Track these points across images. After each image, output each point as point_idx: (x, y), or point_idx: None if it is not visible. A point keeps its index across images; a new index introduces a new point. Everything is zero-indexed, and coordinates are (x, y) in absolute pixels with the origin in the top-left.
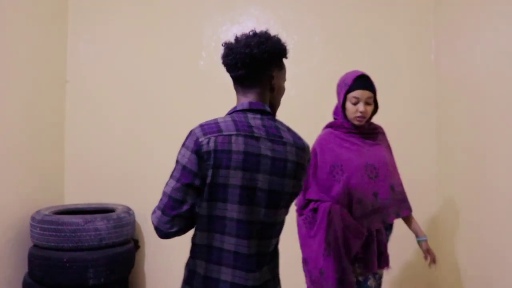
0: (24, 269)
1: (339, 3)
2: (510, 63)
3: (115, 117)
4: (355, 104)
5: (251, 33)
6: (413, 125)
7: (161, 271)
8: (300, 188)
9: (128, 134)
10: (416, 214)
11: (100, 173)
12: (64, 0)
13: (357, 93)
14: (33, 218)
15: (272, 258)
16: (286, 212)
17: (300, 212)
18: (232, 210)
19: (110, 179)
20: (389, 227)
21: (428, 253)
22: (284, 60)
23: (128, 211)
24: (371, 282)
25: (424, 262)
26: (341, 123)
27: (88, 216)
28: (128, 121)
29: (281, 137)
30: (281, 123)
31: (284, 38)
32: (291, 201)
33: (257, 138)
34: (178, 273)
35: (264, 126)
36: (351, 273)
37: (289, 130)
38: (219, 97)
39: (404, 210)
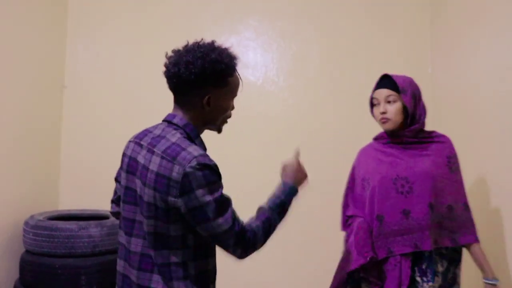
0: (15, 275)
1: (337, 14)
2: (506, 77)
3: (112, 123)
4: (376, 106)
5: (193, 45)
6: None
7: None
8: (163, 202)
9: (124, 141)
10: None
11: (95, 179)
12: (63, 6)
13: (375, 93)
14: (26, 223)
15: (169, 272)
16: (159, 225)
17: (342, 229)
18: (123, 209)
19: (105, 186)
20: (442, 256)
21: None
22: (283, 70)
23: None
24: None
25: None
26: (381, 134)
27: (82, 223)
28: (125, 128)
29: (154, 146)
30: (176, 136)
31: (282, 48)
32: (163, 214)
33: (141, 146)
34: None
35: (154, 135)
36: None
37: (174, 142)
38: None
39: (447, 238)
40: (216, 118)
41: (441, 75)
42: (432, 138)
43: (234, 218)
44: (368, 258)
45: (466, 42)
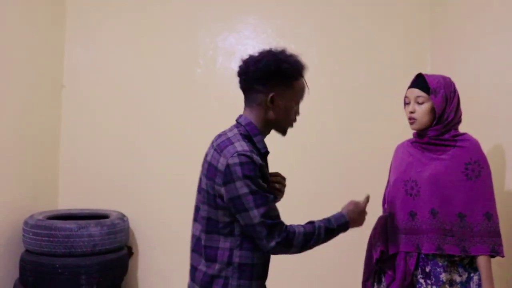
0: (15, 274)
1: (337, 14)
2: (505, 76)
3: (111, 123)
4: (407, 105)
5: (265, 50)
6: (410, 135)
7: (154, 279)
8: (212, 189)
9: (123, 140)
10: None
11: (94, 179)
12: (62, 6)
13: (407, 92)
14: (26, 223)
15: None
16: (211, 210)
17: None
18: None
19: (105, 185)
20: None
21: None
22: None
23: (122, 218)
24: None
25: None
26: (414, 133)
27: (82, 222)
28: (123, 128)
29: (216, 142)
30: (233, 132)
31: (282, 45)
32: (213, 200)
33: (211, 147)
34: (171, 280)
35: (224, 135)
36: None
37: (229, 136)
38: (216, 105)
39: (455, 247)
40: (279, 119)
41: (441, 73)
42: (455, 142)
43: (269, 212)
44: (378, 252)
45: (465, 40)
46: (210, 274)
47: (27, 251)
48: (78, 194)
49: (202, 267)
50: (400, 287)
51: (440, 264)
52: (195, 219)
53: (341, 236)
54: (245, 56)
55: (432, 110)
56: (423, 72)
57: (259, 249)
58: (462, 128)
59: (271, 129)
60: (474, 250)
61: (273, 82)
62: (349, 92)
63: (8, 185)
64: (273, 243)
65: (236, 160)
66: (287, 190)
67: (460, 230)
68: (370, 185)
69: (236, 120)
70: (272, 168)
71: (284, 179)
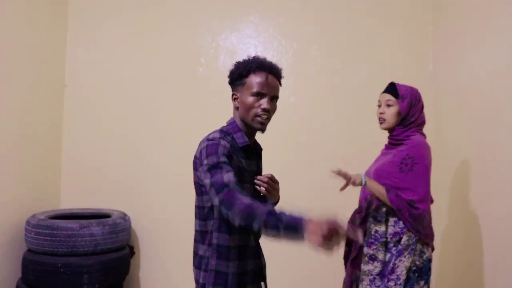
0: (17, 274)
1: (338, 12)
2: (507, 73)
3: (112, 123)
4: (378, 107)
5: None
6: None
7: (156, 278)
8: (197, 177)
9: (125, 140)
10: None
11: (96, 178)
12: (64, 5)
13: (380, 96)
14: (28, 223)
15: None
16: (200, 199)
17: None
18: None
19: (107, 185)
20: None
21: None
22: (284, 68)
23: (124, 217)
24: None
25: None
26: None
27: (84, 221)
28: (125, 127)
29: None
30: (216, 130)
31: (283, 45)
32: (196, 189)
33: None
34: (173, 280)
35: None
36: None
37: (210, 132)
38: (218, 104)
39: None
40: (243, 114)
41: (442, 73)
42: (404, 140)
43: (222, 177)
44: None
45: (468, 39)
46: (200, 255)
47: (29, 250)
48: (80, 194)
49: (198, 251)
50: (354, 258)
51: (369, 240)
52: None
53: None
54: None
55: (399, 113)
56: (423, 72)
57: (235, 232)
58: (463, 126)
59: (248, 127)
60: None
61: (233, 85)
62: (350, 91)
63: (10, 185)
64: (216, 200)
65: (204, 144)
66: (287, 189)
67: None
68: None
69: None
70: (273, 166)
71: (276, 182)
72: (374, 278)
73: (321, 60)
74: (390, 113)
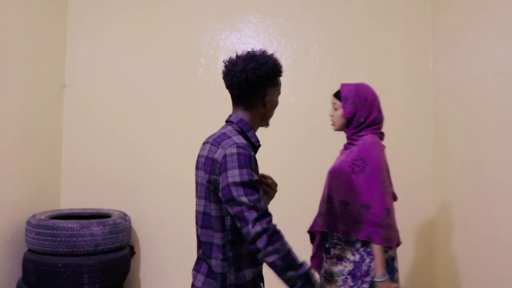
0: (18, 274)
1: (338, 12)
2: (507, 72)
3: (113, 123)
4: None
5: (249, 54)
6: (411, 134)
7: (156, 278)
8: (212, 182)
9: (125, 140)
10: (412, 217)
11: (96, 178)
12: (64, 5)
13: (331, 99)
14: (28, 223)
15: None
16: (207, 204)
17: None
18: (196, 203)
19: (107, 185)
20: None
21: None
22: (284, 68)
23: (124, 217)
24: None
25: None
26: None
27: (84, 221)
28: (125, 127)
29: (212, 138)
30: (227, 129)
31: (282, 45)
32: (208, 194)
33: (207, 143)
34: (173, 280)
35: (218, 132)
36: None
37: (224, 132)
38: (217, 104)
39: (340, 228)
40: (271, 114)
41: (442, 72)
42: (355, 141)
43: (260, 200)
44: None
45: (468, 38)
46: (213, 270)
47: (29, 250)
48: (80, 194)
49: (211, 264)
50: (318, 260)
51: (333, 241)
52: (197, 223)
53: None
54: (232, 62)
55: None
56: (423, 72)
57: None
58: (463, 125)
59: (259, 125)
60: (354, 235)
61: (268, 85)
62: None
63: (10, 185)
64: (258, 228)
65: (234, 150)
66: (287, 188)
67: (344, 216)
68: None
69: (227, 120)
70: (274, 165)
71: (275, 184)
72: (346, 278)
73: (321, 60)
74: (337, 116)
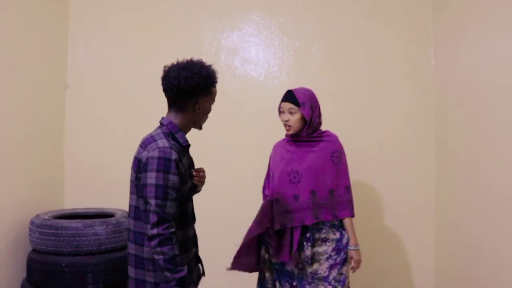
0: (22, 273)
1: (339, 10)
2: (508, 70)
3: (115, 122)
4: (282, 113)
5: (186, 63)
6: (412, 131)
7: None
8: (137, 179)
9: (127, 139)
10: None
11: (99, 178)
12: (65, 5)
13: (281, 104)
14: (32, 223)
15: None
16: (136, 199)
17: None
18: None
19: (110, 184)
20: (319, 228)
21: (355, 262)
22: (285, 66)
23: (128, 216)
24: (290, 267)
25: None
26: (287, 133)
27: (88, 221)
28: (128, 126)
29: (142, 140)
30: (157, 132)
31: (284, 44)
32: (136, 190)
33: (139, 145)
34: None
35: (149, 135)
36: (245, 254)
37: (153, 135)
38: (219, 103)
39: (328, 214)
40: (202, 119)
41: (444, 70)
42: (322, 137)
43: (165, 206)
44: (264, 228)
45: (469, 35)
46: (141, 257)
47: (34, 250)
48: (84, 194)
49: (131, 250)
50: (290, 253)
51: (318, 227)
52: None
53: None
54: (169, 68)
55: (302, 118)
56: (424, 69)
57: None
58: (464, 122)
59: (191, 127)
60: (341, 214)
61: (200, 94)
62: (351, 89)
63: (14, 185)
64: (154, 231)
65: (156, 154)
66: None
67: (331, 202)
68: (373, 179)
69: (160, 122)
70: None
71: (203, 172)
72: (330, 254)
73: (322, 58)
74: (295, 119)
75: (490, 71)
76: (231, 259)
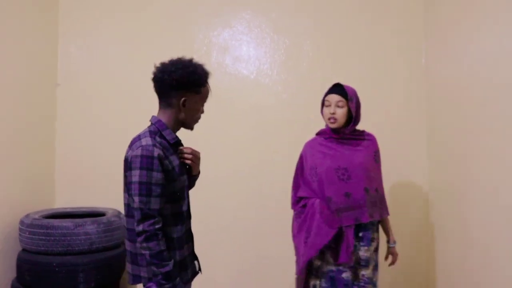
0: (12, 274)
1: (331, 7)
2: (499, 67)
3: (106, 121)
4: (327, 107)
5: (176, 60)
6: (404, 127)
7: None
8: (125, 178)
9: (118, 138)
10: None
11: (90, 177)
12: (55, 5)
13: (328, 97)
14: (22, 222)
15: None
16: (127, 197)
17: (292, 208)
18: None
19: (101, 183)
20: (367, 228)
21: (393, 256)
22: (277, 64)
23: (119, 215)
24: (347, 274)
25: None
26: (324, 130)
27: (78, 220)
28: (118, 125)
29: (131, 139)
30: (144, 131)
31: (275, 41)
32: (126, 187)
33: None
34: None
35: (137, 134)
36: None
37: (140, 134)
38: (210, 101)
39: (377, 213)
40: (191, 118)
41: (435, 66)
42: (363, 136)
43: (149, 203)
44: (337, 229)
45: (460, 32)
46: (134, 253)
47: (23, 250)
48: (74, 193)
49: (128, 247)
50: (347, 254)
51: (368, 226)
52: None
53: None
54: (158, 65)
55: (348, 113)
56: (415, 66)
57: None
58: (455, 119)
59: (180, 127)
60: (385, 214)
61: (185, 89)
62: None
63: (4, 184)
64: (140, 228)
65: (139, 152)
66: (281, 185)
67: (378, 200)
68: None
69: (150, 121)
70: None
71: (197, 158)
72: (373, 253)
73: (314, 55)
74: (341, 113)
75: (481, 68)
76: (224, 257)
